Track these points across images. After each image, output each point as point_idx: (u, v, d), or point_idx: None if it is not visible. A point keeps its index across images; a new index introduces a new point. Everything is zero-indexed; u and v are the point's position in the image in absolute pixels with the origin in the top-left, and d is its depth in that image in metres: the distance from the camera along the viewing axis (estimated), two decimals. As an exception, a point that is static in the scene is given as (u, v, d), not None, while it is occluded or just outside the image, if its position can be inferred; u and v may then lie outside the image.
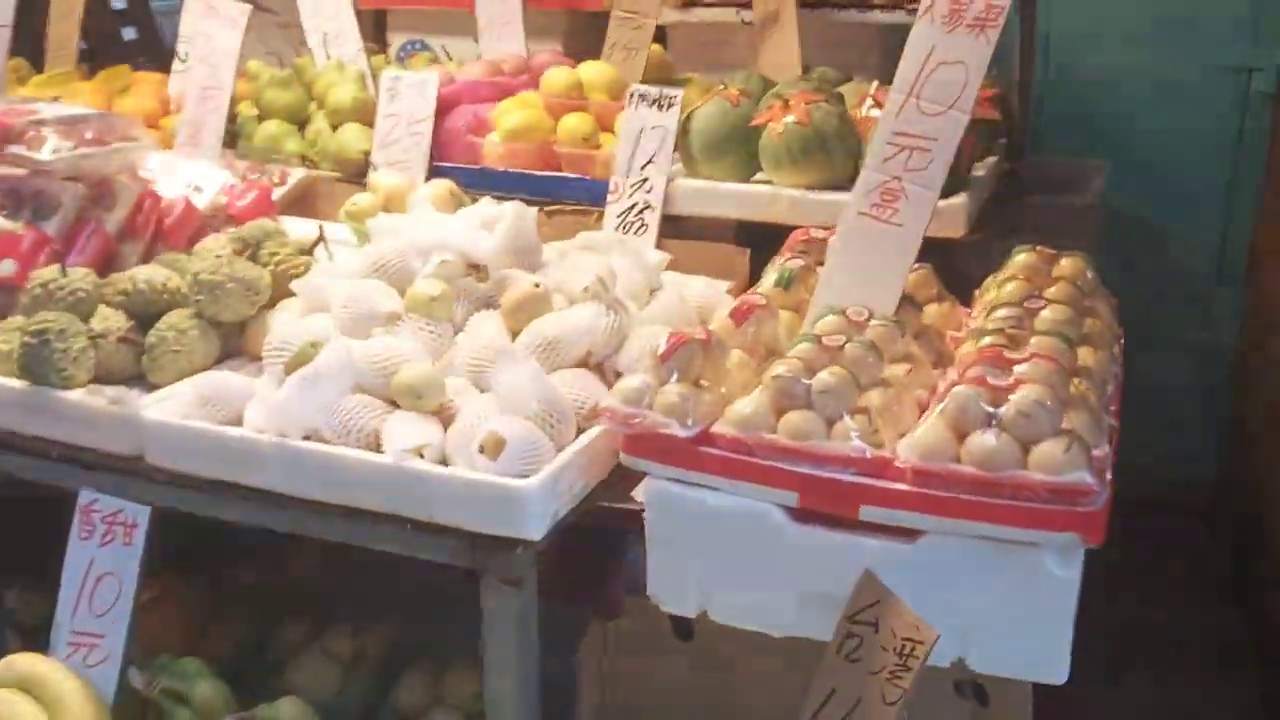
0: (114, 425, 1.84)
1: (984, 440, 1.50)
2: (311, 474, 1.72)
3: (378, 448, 1.72)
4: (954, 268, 2.21)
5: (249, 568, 2.43)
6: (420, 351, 1.84)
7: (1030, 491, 1.47)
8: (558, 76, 2.72)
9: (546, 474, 1.63)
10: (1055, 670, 1.53)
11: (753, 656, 1.79)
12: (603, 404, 1.67)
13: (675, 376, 1.67)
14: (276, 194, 2.69)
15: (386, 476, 1.67)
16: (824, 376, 1.61)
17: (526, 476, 1.63)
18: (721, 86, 2.61)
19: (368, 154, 2.73)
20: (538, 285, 1.92)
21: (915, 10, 3.11)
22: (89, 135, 2.23)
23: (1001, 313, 1.90)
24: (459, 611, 1.78)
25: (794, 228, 2.33)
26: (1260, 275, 3.49)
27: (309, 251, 2.17)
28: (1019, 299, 1.96)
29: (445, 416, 1.77)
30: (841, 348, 1.71)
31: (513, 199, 2.53)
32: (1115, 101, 3.63)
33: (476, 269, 2.05)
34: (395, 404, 1.77)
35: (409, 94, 2.72)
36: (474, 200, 2.54)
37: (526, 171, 2.64)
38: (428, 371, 1.76)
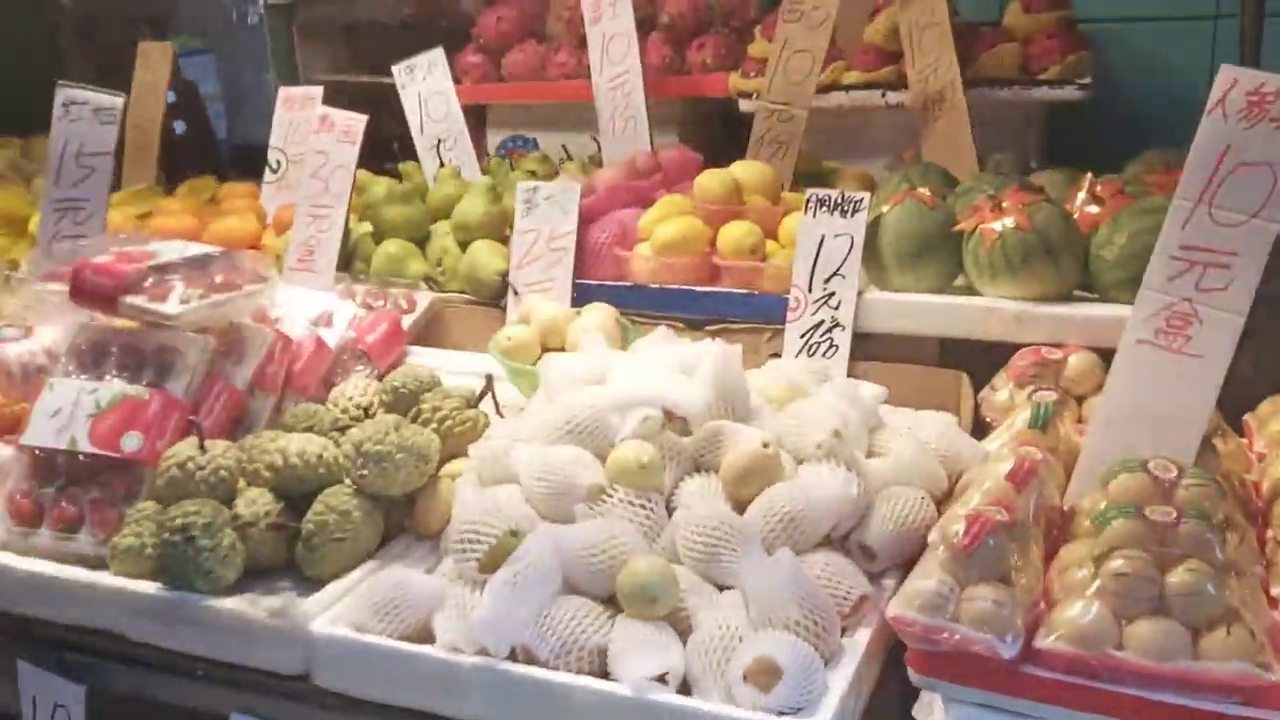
0: (275, 640, 1.53)
1: None
2: (526, 704, 1.40)
3: (602, 668, 1.40)
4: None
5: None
6: (637, 537, 1.52)
7: None
8: (713, 181, 2.42)
9: (833, 711, 1.30)
10: None
11: None
12: (893, 612, 1.34)
13: (979, 574, 1.34)
14: (406, 322, 2.41)
15: (626, 712, 1.35)
16: (1183, 575, 1.28)
17: (801, 710, 1.30)
18: (907, 185, 2.31)
19: (504, 274, 2.44)
20: (767, 445, 1.60)
21: (1085, 85, 2.90)
22: (217, 279, 1.92)
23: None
24: None
25: (1008, 345, 2.03)
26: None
27: (476, 404, 1.86)
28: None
29: (679, 623, 1.45)
30: (1176, 524, 1.38)
31: (666, 319, 2.27)
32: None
33: (673, 421, 1.72)
34: (613, 605, 1.46)
35: (548, 206, 2.43)
36: (633, 325, 2.25)
37: (685, 288, 2.35)
38: (660, 568, 1.44)
